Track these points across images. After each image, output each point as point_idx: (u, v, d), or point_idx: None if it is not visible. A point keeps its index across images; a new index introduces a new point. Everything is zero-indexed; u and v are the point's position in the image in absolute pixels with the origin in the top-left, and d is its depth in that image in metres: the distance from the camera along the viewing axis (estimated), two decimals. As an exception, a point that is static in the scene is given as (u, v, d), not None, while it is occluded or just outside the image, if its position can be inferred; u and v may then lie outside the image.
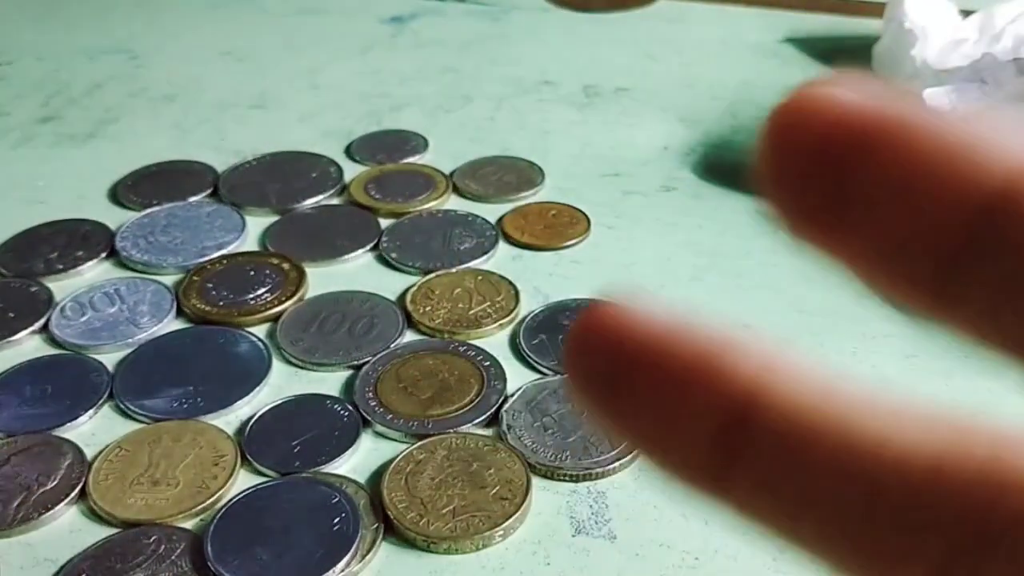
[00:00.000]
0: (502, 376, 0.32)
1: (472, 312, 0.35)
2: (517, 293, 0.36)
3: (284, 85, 0.53)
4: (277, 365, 0.33)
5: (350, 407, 0.31)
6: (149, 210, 0.41)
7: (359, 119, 0.49)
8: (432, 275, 0.37)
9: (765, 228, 0.41)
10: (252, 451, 0.29)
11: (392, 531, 0.27)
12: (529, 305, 0.36)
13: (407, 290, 0.36)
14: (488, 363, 0.33)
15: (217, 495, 0.28)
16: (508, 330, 0.35)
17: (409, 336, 0.34)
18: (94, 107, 0.51)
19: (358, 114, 0.50)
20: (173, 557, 0.26)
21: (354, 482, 0.28)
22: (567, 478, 0.28)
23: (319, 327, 0.34)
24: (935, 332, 0.36)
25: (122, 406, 0.31)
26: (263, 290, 0.36)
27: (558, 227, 0.40)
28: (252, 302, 0.35)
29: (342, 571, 0.26)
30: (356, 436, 0.30)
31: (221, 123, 0.49)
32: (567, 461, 0.29)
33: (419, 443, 0.29)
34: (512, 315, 0.35)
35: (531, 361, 0.33)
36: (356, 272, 0.38)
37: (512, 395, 0.31)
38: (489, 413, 0.31)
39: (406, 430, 0.30)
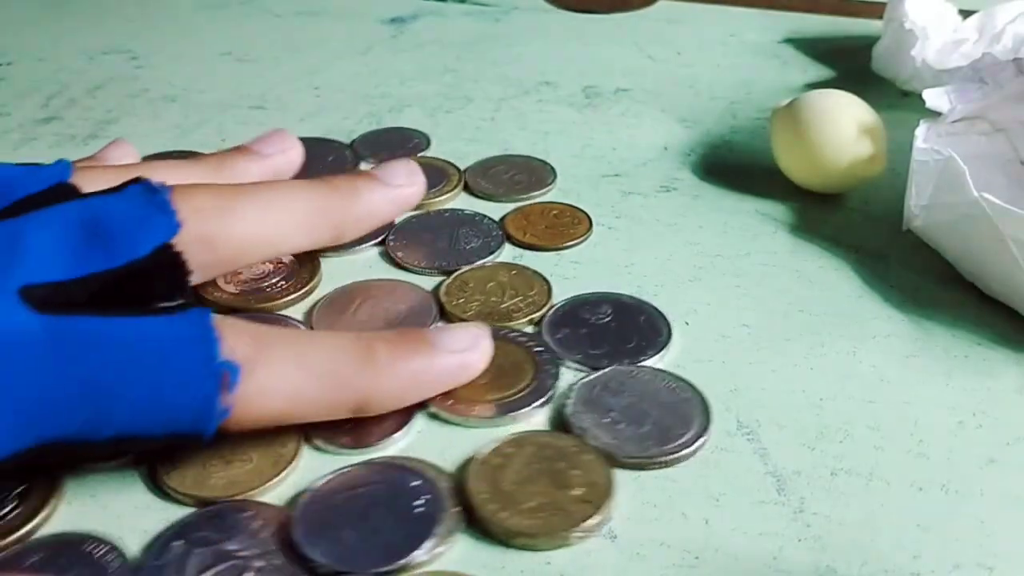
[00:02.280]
0: (554, 361, 0.33)
1: (504, 306, 0.35)
2: (550, 289, 0.36)
3: (285, 86, 0.53)
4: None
5: None
6: None
7: (360, 119, 0.49)
8: (467, 268, 0.37)
9: (765, 229, 0.42)
10: (308, 430, 0.30)
11: (472, 521, 0.27)
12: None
13: (441, 282, 0.36)
14: (539, 348, 0.33)
15: (292, 465, 0.29)
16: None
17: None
18: (94, 107, 0.51)
19: (359, 115, 0.50)
20: (265, 534, 0.26)
21: (437, 468, 0.29)
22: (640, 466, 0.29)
23: (353, 313, 0.35)
24: (935, 332, 0.37)
25: None
26: (278, 278, 0.37)
27: (559, 227, 0.40)
28: (268, 290, 0.36)
29: (425, 555, 0.26)
30: (410, 418, 0.30)
31: (222, 124, 0.49)
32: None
33: (508, 438, 0.29)
34: (544, 310, 0.35)
35: (556, 355, 0.33)
36: (366, 264, 0.38)
37: (569, 397, 0.31)
38: (547, 396, 0.31)
39: (467, 414, 0.30)
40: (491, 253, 0.38)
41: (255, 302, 0.35)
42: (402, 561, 0.26)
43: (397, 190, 0.37)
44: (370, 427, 0.30)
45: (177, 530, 0.27)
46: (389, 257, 0.38)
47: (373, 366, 0.28)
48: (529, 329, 0.34)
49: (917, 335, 0.34)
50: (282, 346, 0.28)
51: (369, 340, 0.29)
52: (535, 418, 0.31)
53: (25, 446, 0.25)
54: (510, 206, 0.41)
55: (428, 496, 0.27)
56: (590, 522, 0.27)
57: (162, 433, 0.26)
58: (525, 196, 0.42)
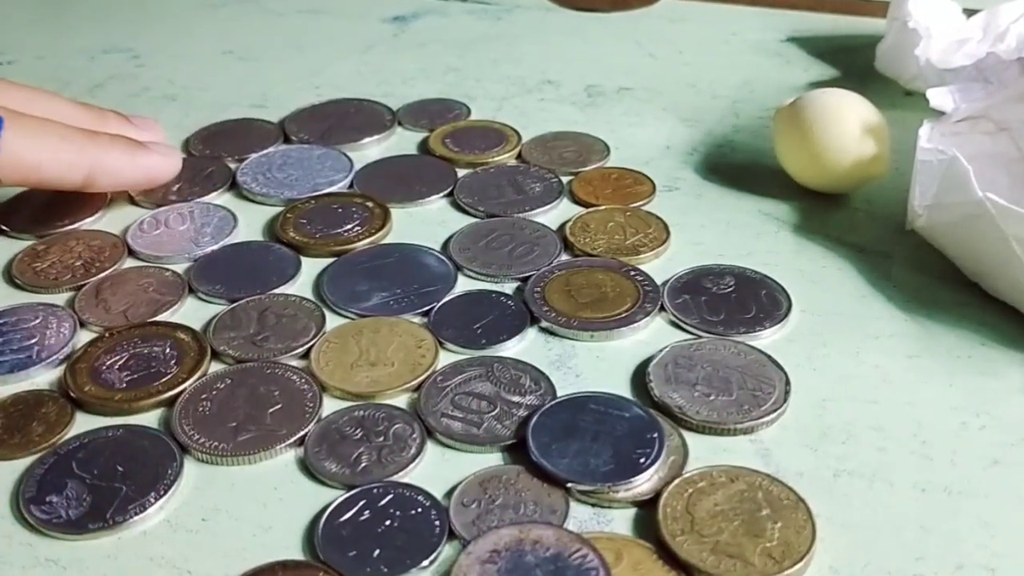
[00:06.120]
0: (656, 300, 0.35)
1: (629, 242, 0.38)
2: (666, 226, 0.39)
3: (286, 84, 0.53)
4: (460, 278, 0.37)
5: (514, 301, 0.35)
6: (265, 151, 0.46)
7: (360, 118, 0.49)
8: (585, 211, 0.40)
9: (768, 228, 0.41)
10: (441, 334, 0.33)
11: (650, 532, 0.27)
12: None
13: (565, 223, 0.39)
14: (649, 288, 0.35)
15: (431, 369, 0.32)
16: (663, 259, 0.38)
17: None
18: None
19: (359, 113, 0.49)
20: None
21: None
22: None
23: (487, 244, 0.38)
24: (938, 333, 0.36)
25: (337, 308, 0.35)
26: (352, 224, 0.40)
27: (623, 188, 0.42)
28: (345, 234, 0.39)
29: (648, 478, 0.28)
30: (524, 325, 0.34)
31: (222, 122, 0.49)
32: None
33: (725, 468, 0.28)
34: (665, 244, 0.38)
35: (675, 319, 0.34)
36: (434, 214, 0.41)
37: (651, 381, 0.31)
38: (632, 326, 0.34)
39: (556, 322, 0.34)
40: (556, 198, 0.41)
41: (334, 244, 0.39)
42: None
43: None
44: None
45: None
46: (457, 206, 0.41)
47: (99, 145, 0.38)
48: (651, 272, 0.36)
49: (920, 335, 0.34)
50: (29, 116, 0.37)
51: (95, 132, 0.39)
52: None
53: None
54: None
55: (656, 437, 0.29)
56: None
57: None
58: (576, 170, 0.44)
